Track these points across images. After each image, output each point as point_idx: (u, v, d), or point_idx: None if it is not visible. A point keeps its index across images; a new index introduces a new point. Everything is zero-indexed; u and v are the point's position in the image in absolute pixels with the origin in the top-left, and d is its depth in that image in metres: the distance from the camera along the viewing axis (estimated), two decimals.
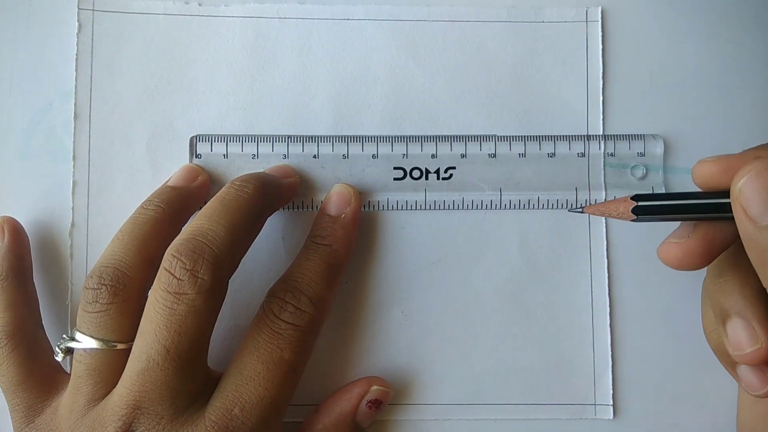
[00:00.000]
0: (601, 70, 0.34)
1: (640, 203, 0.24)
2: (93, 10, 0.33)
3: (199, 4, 0.34)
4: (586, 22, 0.34)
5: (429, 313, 0.33)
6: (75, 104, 0.33)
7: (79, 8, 0.33)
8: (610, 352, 0.33)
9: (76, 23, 0.33)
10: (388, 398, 0.32)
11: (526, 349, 0.33)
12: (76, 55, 0.33)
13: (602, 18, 0.35)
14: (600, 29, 0.34)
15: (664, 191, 0.33)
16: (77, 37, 0.33)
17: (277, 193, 0.31)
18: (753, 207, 0.21)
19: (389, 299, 0.33)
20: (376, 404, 0.31)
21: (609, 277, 0.33)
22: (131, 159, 0.33)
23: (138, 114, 0.33)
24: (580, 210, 0.26)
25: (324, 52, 0.34)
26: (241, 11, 0.34)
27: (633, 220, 0.24)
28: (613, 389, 0.33)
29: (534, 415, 0.33)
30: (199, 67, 0.33)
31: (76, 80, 0.33)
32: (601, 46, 0.34)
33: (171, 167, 0.33)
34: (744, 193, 0.21)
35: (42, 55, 0.33)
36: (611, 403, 0.33)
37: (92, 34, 0.33)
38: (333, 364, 0.33)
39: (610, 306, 0.33)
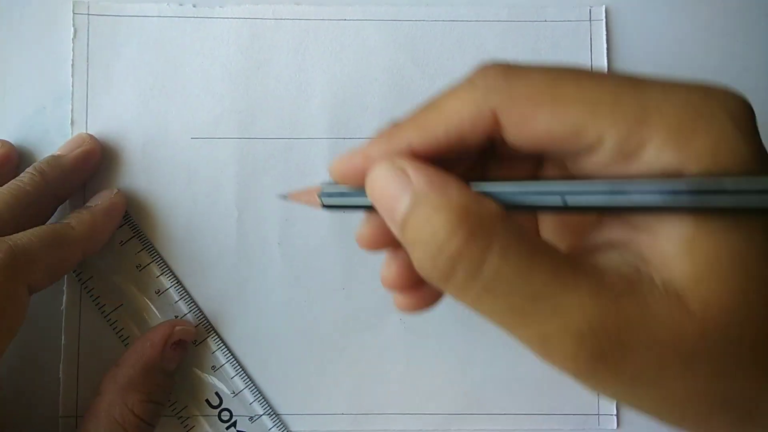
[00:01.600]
0: (606, 71, 0.33)
1: (324, 200, 0.24)
2: (88, 14, 0.33)
3: (194, 6, 0.33)
4: (590, 21, 0.33)
5: (428, 321, 0.32)
6: (72, 109, 0.33)
7: (74, 13, 0.33)
8: None
9: (72, 28, 0.33)
10: (192, 336, 0.31)
11: (528, 358, 0.32)
12: (72, 60, 0.33)
13: (606, 17, 0.34)
14: (604, 28, 0.34)
15: None
16: (73, 42, 0.33)
17: (61, 173, 0.30)
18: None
19: (387, 306, 0.32)
20: (181, 345, 0.31)
21: None
22: (127, 163, 0.33)
23: (133, 118, 0.33)
24: (285, 197, 0.26)
25: (320, 53, 0.33)
26: (236, 12, 0.33)
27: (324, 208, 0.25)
28: None
29: (536, 425, 0.32)
30: (194, 69, 0.33)
31: (72, 85, 0.33)
32: (605, 46, 0.33)
33: (166, 171, 0.33)
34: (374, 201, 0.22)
35: (35, 59, 0.33)
36: (615, 413, 0.32)
37: (87, 38, 0.33)
38: (328, 372, 0.32)
39: None
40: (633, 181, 0.19)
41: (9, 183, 0.29)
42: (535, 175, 0.24)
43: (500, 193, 0.21)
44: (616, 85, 0.20)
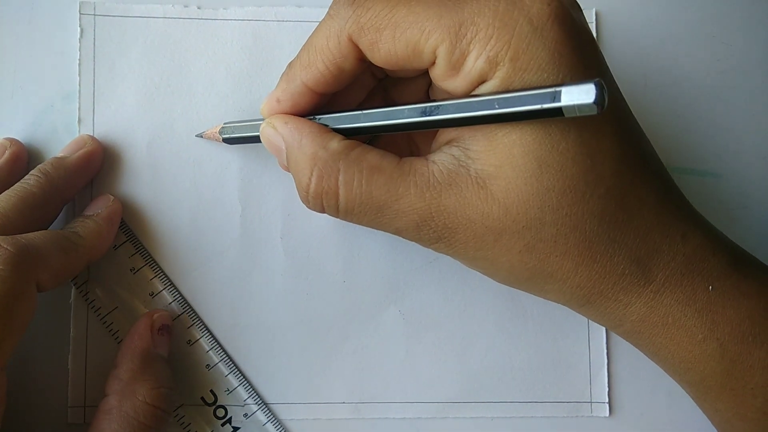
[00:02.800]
0: None
1: (224, 136, 0.32)
2: (94, 14, 0.34)
3: (198, 8, 0.34)
4: None
5: (426, 312, 0.34)
6: (79, 108, 0.33)
7: (80, 13, 0.34)
8: (605, 350, 0.33)
9: (78, 28, 0.33)
10: (169, 319, 0.32)
11: (523, 347, 0.33)
12: (79, 59, 0.33)
13: (596, 20, 0.35)
14: (594, 31, 0.35)
15: None
16: (80, 42, 0.33)
17: (65, 174, 0.31)
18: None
19: (386, 298, 0.33)
20: (166, 329, 0.32)
21: None
22: (133, 160, 0.33)
23: (139, 116, 0.34)
24: (201, 135, 0.33)
25: None
26: (239, 14, 0.34)
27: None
28: (609, 387, 0.33)
29: (530, 412, 0.33)
30: (198, 69, 0.34)
31: (79, 84, 0.33)
32: None
33: (171, 168, 0.33)
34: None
35: (43, 58, 0.34)
36: (607, 400, 0.33)
37: (94, 38, 0.34)
38: (329, 361, 0.33)
39: None
40: (427, 104, 0.24)
41: (15, 185, 0.30)
42: (427, 95, 0.29)
43: (342, 124, 0.27)
44: (440, 4, 0.24)
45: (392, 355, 0.33)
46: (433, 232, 0.25)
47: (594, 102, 0.20)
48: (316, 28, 0.26)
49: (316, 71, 0.26)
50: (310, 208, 0.27)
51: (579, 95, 0.21)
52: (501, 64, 0.23)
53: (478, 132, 0.24)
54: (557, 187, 0.23)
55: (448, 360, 0.33)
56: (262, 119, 0.29)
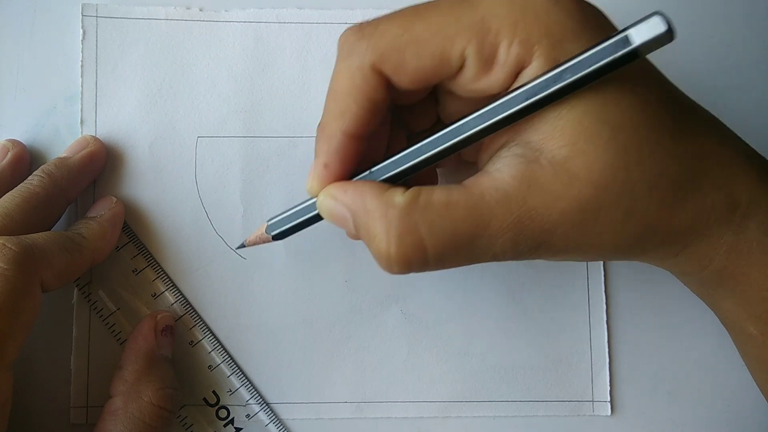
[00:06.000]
0: None
1: (273, 233, 0.29)
2: (96, 16, 0.34)
3: (200, 10, 0.34)
4: None
5: (428, 311, 0.34)
6: (81, 109, 0.33)
7: (83, 15, 0.34)
8: (607, 349, 0.33)
9: (81, 30, 0.34)
10: (172, 320, 0.32)
11: (524, 347, 0.34)
12: (81, 61, 0.34)
13: None
14: None
15: None
16: (82, 44, 0.34)
17: (68, 174, 0.31)
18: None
19: (388, 297, 0.34)
20: (169, 330, 0.32)
21: (605, 274, 0.34)
22: (135, 162, 0.34)
23: (141, 117, 0.34)
24: (243, 245, 0.31)
25: (323, 55, 0.34)
26: (241, 16, 0.34)
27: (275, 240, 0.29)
28: (610, 386, 0.33)
29: (532, 411, 0.33)
30: (200, 71, 0.34)
31: (81, 86, 0.34)
32: None
33: (173, 169, 0.34)
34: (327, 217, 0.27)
35: (45, 60, 0.34)
36: (609, 399, 0.33)
37: (96, 40, 0.34)
38: (331, 361, 0.33)
39: (607, 303, 0.34)
40: (469, 116, 0.24)
41: (19, 186, 0.30)
42: (436, 113, 0.28)
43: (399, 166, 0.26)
44: (452, 7, 0.23)
45: (394, 354, 0.33)
46: (531, 241, 0.24)
47: (668, 29, 0.21)
48: (333, 76, 0.25)
49: (351, 114, 0.25)
50: (394, 272, 0.25)
51: (649, 30, 0.21)
52: (537, 43, 0.23)
53: (536, 121, 0.23)
54: (634, 142, 0.23)
55: (450, 359, 0.33)
56: (302, 205, 0.28)
